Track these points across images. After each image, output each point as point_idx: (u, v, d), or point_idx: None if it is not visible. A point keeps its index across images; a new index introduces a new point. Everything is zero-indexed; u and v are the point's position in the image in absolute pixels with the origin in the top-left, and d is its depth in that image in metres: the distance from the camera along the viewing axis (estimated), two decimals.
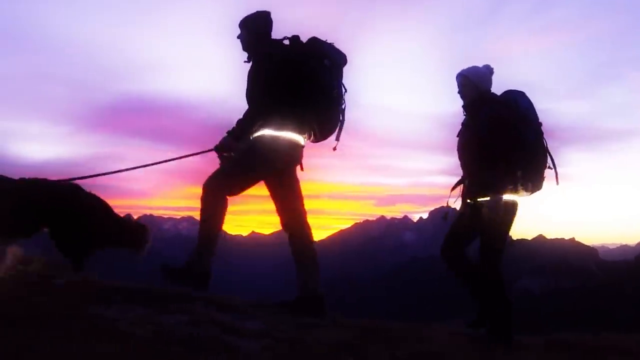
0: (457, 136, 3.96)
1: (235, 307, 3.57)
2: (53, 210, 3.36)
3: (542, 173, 3.80)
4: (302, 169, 3.86)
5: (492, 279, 3.71)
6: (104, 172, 3.90)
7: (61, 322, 2.57)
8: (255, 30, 3.76)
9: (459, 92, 3.92)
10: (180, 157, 3.92)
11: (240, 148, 3.66)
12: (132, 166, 4.04)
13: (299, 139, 3.72)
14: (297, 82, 3.61)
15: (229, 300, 3.76)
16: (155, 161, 4.02)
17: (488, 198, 3.62)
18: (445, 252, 3.91)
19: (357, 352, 2.93)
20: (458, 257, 3.89)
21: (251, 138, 3.67)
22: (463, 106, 3.94)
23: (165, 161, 3.99)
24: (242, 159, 3.66)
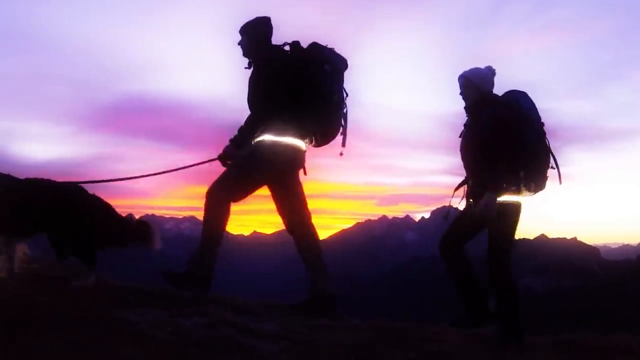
0: (460, 137, 3.97)
1: (249, 309, 3.62)
2: (57, 211, 3.38)
3: (545, 173, 3.81)
4: (305, 173, 3.89)
5: (502, 279, 3.70)
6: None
7: (83, 326, 2.61)
8: (255, 37, 3.79)
9: (460, 94, 3.92)
10: (185, 167, 3.97)
11: (242, 155, 3.69)
12: (137, 173, 4.13)
13: (300, 144, 3.74)
14: (298, 87, 3.64)
15: (242, 302, 3.82)
16: (159, 171, 4.06)
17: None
18: (445, 252, 3.94)
19: (372, 353, 2.98)
20: (457, 257, 3.92)
21: (252, 143, 3.70)
22: (465, 108, 3.94)
23: (169, 171, 4.04)
24: (243, 165, 3.70)
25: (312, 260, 3.81)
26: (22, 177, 3.49)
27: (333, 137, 3.84)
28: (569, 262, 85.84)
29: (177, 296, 3.55)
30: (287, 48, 3.79)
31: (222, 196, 3.69)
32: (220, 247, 3.73)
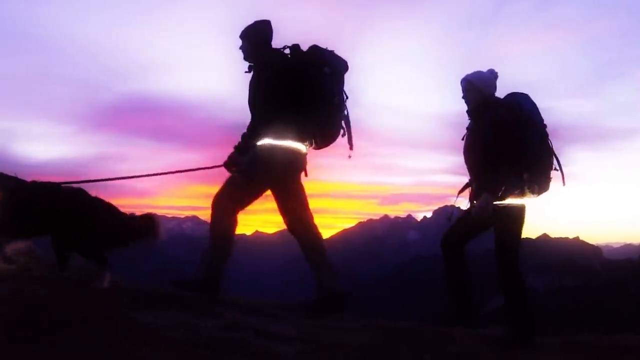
0: (462, 140, 3.97)
1: (262, 310, 3.66)
2: (62, 213, 3.40)
3: (549, 175, 3.82)
4: (306, 174, 3.90)
5: (510, 280, 3.72)
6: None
7: (101, 328, 2.63)
8: (256, 40, 3.82)
9: (463, 97, 3.93)
10: (189, 170, 4.02)
11: (247, 161, 3.72)
12: (138, 172, 4.13)
13: (301, 146, 3.76)
14: (298, 90, 3.66)
15: (254, 303, 3.86)
16: (161, 171, 4.11)
17: (499, 201, 3.65)
18: (446, 251, 3.94)
19: (386, 354, 3.02)
20: (458, 257, 3.94)
21: (254, 148, 3.73)
22: (467, 111, 3.94)
23: (174, 172, 4.10)
24: (247, 171, 3.73)
25: (316, 259, 3.84)
26: (23, 176, 3.51)
27: (333, 139, 3.86)
28: (571, 261, 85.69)
29: (190, 298, 3.58)
30: (287, 51, 3.82)
31: (228, 204, 3.74)
32: (231, 256, 3.78)
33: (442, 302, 4.03)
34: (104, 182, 3.84)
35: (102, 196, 3.64)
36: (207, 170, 3.96)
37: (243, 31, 3.85)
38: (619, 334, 4.41)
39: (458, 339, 3.59)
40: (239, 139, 3.80)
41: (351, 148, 3.88)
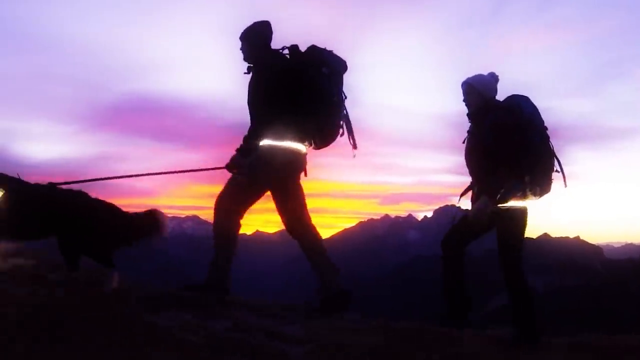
0: (463, 143, 3.97)
1: (272, 312, 3.71)
2: (66, 214, 3.41)
3: (550, 177, 3.83)
4: (305, 174, 3.92)
5: (514, 280, 3.75)
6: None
7: (118, 331, 2.65)
8: (255, 42, 3.85)
9: (463, 101, 3.93)
10: (191, 171, 4.06)
11: (248, 163, 3.75)
12: (139, 172, 4.13)
13: (300, 147, 3.78)
14: (297, 91, 3.69)
15: (263, 304, 3.91)
16: (166, 171, 4.15)
17: (501, 204, 3.67)
18: (446, 251, 3.95)
19: (396, 355, 3.07)
20: (458, 257, 3.94)
21: (255, 149, 3.76)
22: (468, 114, 3.93)
23: (176, 172, 4.13)
24: (248, 173, 3.76)
25: (317, 258, 3.88)
26: (24, 176, 3.52)
27: (333, 138, 3.89)
28: (572, 261, 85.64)
29: (200, 299, 3.62)
30: (285, 52, 3.86)
31: (230, 206, 3.78)
32: (235, 255, 3.84)
33: (443, 301, 4.03)
34: (103, 182, 3.86)
35: (102, 196, 3.66)
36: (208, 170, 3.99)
37: (243, 33, 3.89)
38: (620, 334, 4.42)
39: (464, 340, 3.63)
40: (241, 141, 3.83)
41: (355, 147, 3.91)
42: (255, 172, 3.72)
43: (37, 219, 3.39)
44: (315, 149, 3.92)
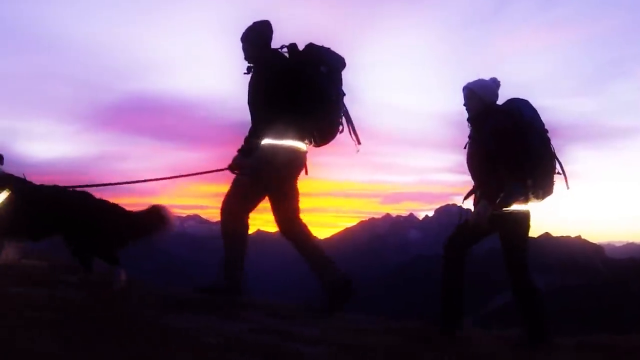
0: (464, 148, 3.97)
1: (286, 313, 3.76)
2: (71, 215, 3.43)
3: (552, 179, 3.83)
4: (306, 173, 3.94)
5: (520, 281, 3.76)
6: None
7: (136, 333, 2.65)
8: (256, 41, 3.87)
9: (464, 105, 3.92)
10: (195, 174, 4.16)
11: (250, 164, 3.78)
12: (140, 171, 4.28)
13: (301, 145, 3.79)
14: (296, 90, 3.71)
15: (277, 306, 3.96)
16: (171, 175, 4.27)
17: (504, 208, 3.68)
18: (449, 252, 3.92)
19: (411, 355, 3.09)
20: (459, 260, 3.92)
21: (256, 149, 3.79)
22: (468, 119, 3.94)
23: (181, 176, 4.25)
24: (250, 173, 3.80)
25: (313, 257, 3.91)
26: (24, 176, 3.53)
27: (332, 136, 3.91)
28: (573, 260, 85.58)
29: (216, 301, 3.64)
30: (284, 51, 3.88)
31: (236, 209, 3.80)
32: (245, 255, 3.86)
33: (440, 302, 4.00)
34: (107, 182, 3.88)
35: (104, 196, 3.68)
36: (209, 168, 4.02)
37: (244, 33, 3.91)
38: (622, 333, 4.43)
39: (473, 340, 3.67)
40: (242, 141, 3.85)
41: (359, 142, 3.94)
42: (258, 171, 3.74)
43: (42, 219, 3.41)
44: (316, 146, 3.95)
